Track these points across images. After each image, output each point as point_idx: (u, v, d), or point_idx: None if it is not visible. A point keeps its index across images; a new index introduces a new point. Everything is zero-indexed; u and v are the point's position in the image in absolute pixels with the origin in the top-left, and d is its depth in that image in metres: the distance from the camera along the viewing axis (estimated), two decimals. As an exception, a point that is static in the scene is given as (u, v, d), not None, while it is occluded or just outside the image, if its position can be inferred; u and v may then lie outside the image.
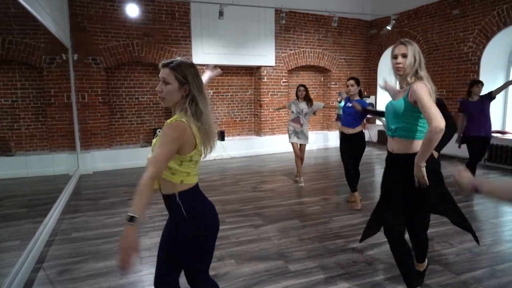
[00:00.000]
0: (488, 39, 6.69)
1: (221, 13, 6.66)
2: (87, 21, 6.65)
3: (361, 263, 2.94)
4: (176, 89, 1.60)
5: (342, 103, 8.20)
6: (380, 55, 9.42)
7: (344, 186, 4.79)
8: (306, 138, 5.45)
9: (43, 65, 6.43)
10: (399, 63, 2.17)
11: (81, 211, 4.41)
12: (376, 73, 9.64)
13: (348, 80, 4.29)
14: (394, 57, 2.20)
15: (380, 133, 9.48)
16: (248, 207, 4.47)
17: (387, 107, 2.36)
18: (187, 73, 1.62)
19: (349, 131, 4.27)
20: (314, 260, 3.01)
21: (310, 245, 3.31)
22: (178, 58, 1.67)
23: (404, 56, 2.17)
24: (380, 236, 3.49)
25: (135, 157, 6.95)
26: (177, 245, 1.66)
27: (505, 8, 6.35)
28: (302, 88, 5.37)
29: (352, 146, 4.29)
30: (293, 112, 5.44)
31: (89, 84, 6.77)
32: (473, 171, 4.82)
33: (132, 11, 6.56)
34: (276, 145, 8.53)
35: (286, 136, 8.82)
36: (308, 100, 5.38)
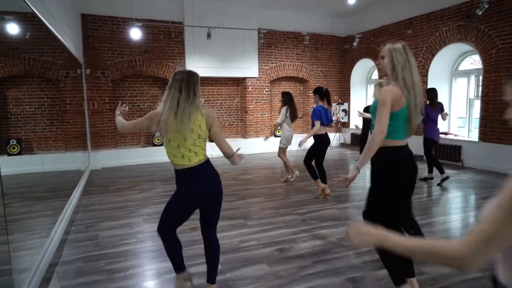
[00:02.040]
0: (433, 55, 7.99)
1: (209, 35, 7.96)
2: (97, 41, 7.94)
3: (298, 220, 4.17)
4: None
5: None
6: (353, 67, 10.71)
7: (306, 176, 6.01)
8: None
9: (60, 78, 7.69)
10: (378, 63, 2.33)
11: (96, 194, 5.64)
12: (349, 83, 10.92)
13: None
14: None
15: (353, 136, 10.74)
16: (227, 190, 5.67)
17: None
18: None
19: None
20: (267, 219, 4.24)
21: (267, 212, 4.54)
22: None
23: (382, 57, 2.25)
24: (319, 206, 4.73)
25: (136, 155, 8.22)
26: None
27: (444, 30, 7.65)
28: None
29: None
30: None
31: (98, 94, 8.04)
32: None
33: (135, 34, 7.81)
34: (260, 146, 9.75)
35: (269, 138, 10.11)
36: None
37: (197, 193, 2.38)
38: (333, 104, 10.76)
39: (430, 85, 8.06)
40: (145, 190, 5.82)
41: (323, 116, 4.89)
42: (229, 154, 2.51)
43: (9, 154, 6.96)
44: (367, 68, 10.74)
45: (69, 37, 6.13)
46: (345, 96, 11.08)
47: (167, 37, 8.62)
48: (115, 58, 8.17)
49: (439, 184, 5.81)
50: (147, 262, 3.19)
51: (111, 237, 3.75)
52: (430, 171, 6.10)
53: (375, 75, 10.58)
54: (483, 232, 0.85)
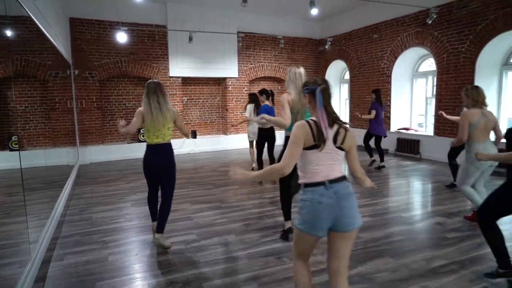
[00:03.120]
0: (396, 58, 8.79)
1: (190, 39, 8.55)
2: (85, 44, 8.44)
3: (266, 203, 4.85)
4: None
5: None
6: (327, 68, 11.46)
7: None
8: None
9: (49, 78, 8.16)
10: None
11: (87, 184, 6.21)
12: (324, 82, 11.65)
13: None
14: None
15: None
16: (206, 180, 6.34)
17: None
18: None
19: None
20: (239, 202, 4.91)
21: (239, 197, 5.21)
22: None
23: None
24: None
25: (122, 151, 8.78)
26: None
27: (405, 35, 8.45)
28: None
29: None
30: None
31: (86, 93, 8.55)
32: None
33: (121, 37, 8.31)
34: (239, 142, 10.40)
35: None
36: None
37: (157, 160, 3.34)
38: None
39: (393, 84, 8.90)
40: (133, 181, 6.40)
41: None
42: (186, 135, 3.58)
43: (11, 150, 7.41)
44: (340, 69, 11.50)
45: (59, 39, 6.65)
46: (320, 95, 11.80)
47: (151, 40, 9.16)
48: (102, 59, 8.67)
49: (376, 168, 7.08)
50: (134, 235, 3.81)
51: (103, 218, 4.35)
52: (382, 160, 7.14)
53: (347, 75, 11.35)
54: (287, 153, 1.88)
